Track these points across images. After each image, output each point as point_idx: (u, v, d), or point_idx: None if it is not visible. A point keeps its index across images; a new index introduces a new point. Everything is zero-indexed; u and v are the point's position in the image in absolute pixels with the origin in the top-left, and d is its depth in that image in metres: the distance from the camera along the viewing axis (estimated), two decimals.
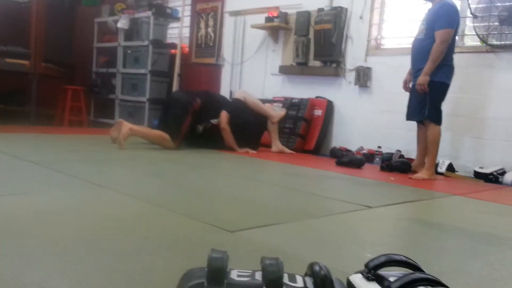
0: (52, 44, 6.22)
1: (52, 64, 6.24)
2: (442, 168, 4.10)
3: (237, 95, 4.89)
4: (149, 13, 6.62)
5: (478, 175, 3.96)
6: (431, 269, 0.99)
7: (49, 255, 1.23)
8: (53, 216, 1.64)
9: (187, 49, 6.84)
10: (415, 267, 0.96)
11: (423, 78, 3.60)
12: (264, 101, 5.42)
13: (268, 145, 4.83)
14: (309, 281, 0.86)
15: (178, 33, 6.72)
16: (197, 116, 4.35)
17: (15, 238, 1.34)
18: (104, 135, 4.29)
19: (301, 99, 5.19)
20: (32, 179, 2.33)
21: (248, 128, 4.60)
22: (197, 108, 4.34)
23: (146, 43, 6.59)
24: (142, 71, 6.64)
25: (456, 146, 4.25)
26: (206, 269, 0.85)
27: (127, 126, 3.98)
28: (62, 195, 2.03)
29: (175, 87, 6.60)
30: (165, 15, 6.78)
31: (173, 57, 6.78)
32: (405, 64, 3.98)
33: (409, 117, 3.91)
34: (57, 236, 1.40)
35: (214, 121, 4.44)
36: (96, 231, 1.49)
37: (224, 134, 4.43)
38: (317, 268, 0.86)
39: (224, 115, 4.44)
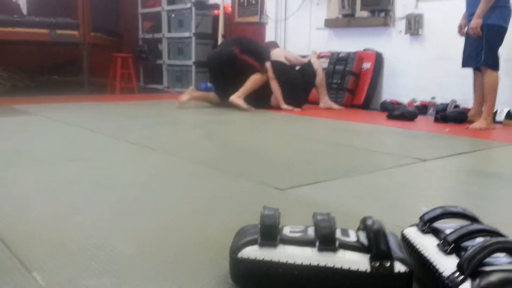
0: (99, 13, 6.34)
1: (101, 33, 6.38)
2: (500, 116, 3.90)
3: (276, 56, 4.65)
4: None
5: None
6: (490, 220, 0.96)
7: (110, 215, 1.29)
8: (110, 180, 1.71)
9: (230, 9, 6.75)
10: (472, 219, 0.93)
11: (475, 21, 3.40)
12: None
13: (316, 102, 4.77)
14: (362, 235, 0.86)
15: None
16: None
17: (75, 202, 1.42)
18: (154, 100, 4.39)
19: (348, 53, 5.04)
20: (88, 146, 2.44)
21: (294, 85, 4.54)
22: (239, 53, 4.41)
23: (189, 5, 6.56)
24: (187, 34, 6.66)
25: None
26: (259, 226, 0.87)
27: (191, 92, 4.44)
28: (116, 159, 2.12)
29: None
30: None
31: (216, 18, 6.73)
32: (460, 8, 3.75)
33: (465, 63, 3.72)
34: (115, 198, 1.47)
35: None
36: (151, 193, 1.55)
37: (272, 84, 4.40)
38: (370, 222, 0.85)
39: (269, 65, 4.41)
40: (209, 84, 6.50)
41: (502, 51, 3.52)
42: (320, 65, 4.74)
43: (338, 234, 0.86)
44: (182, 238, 1.13)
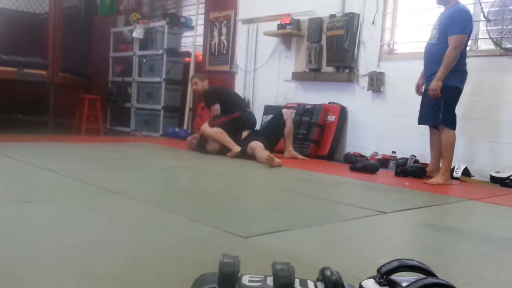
0: (69, 54, 6.33)
1: (69, 74, 6.34)
2: (457, 173, 4.05)
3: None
4: (163, 22, 6.69)
5: (494, 180, 3.90)
6: (446, 274, 0.99)
7: (64, 260, 1.25)
8: (67, 222, 1.67)
9: (200, 57, 6.89)
10: (428, 272, 0.95)
11: (435, 84, 3.58)
12: (277, 108, 5.43)
13: (281, 151, 4.83)
14: (320, 286, 0.86)
15: (192, 41, 6.77)
16: None
17: (30, 245, 1.37)
18: (120, 143, 4.35)
19: (314, 105, 5.19)
20: (48, 187, 2.37)
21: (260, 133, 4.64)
22: None
23: (160, 52, 6.66)
24: (157, 79, 6.71)
25: (472, 151, 4.20)
26: (218, 274, 0.86)
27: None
28: (76, 201, 2.07)
29: (189, 95, 6.65)
30: (179, 24, 6.85)
31: (187, 65, 6.84)
32: (418, 68, 3.95)
33: (422, 121, 3.88)
34: (71, 241, 1.43)
35: None
36: (109, 237, 1.51)
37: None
38: (328, 273, 0.86)
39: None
40: (176, 129, 6.51)
41: (458, 111, 3.71)
42: (290, 116, 4.83)
43: (297, 284, 0.86)
44: (139, 285, 1.11)
